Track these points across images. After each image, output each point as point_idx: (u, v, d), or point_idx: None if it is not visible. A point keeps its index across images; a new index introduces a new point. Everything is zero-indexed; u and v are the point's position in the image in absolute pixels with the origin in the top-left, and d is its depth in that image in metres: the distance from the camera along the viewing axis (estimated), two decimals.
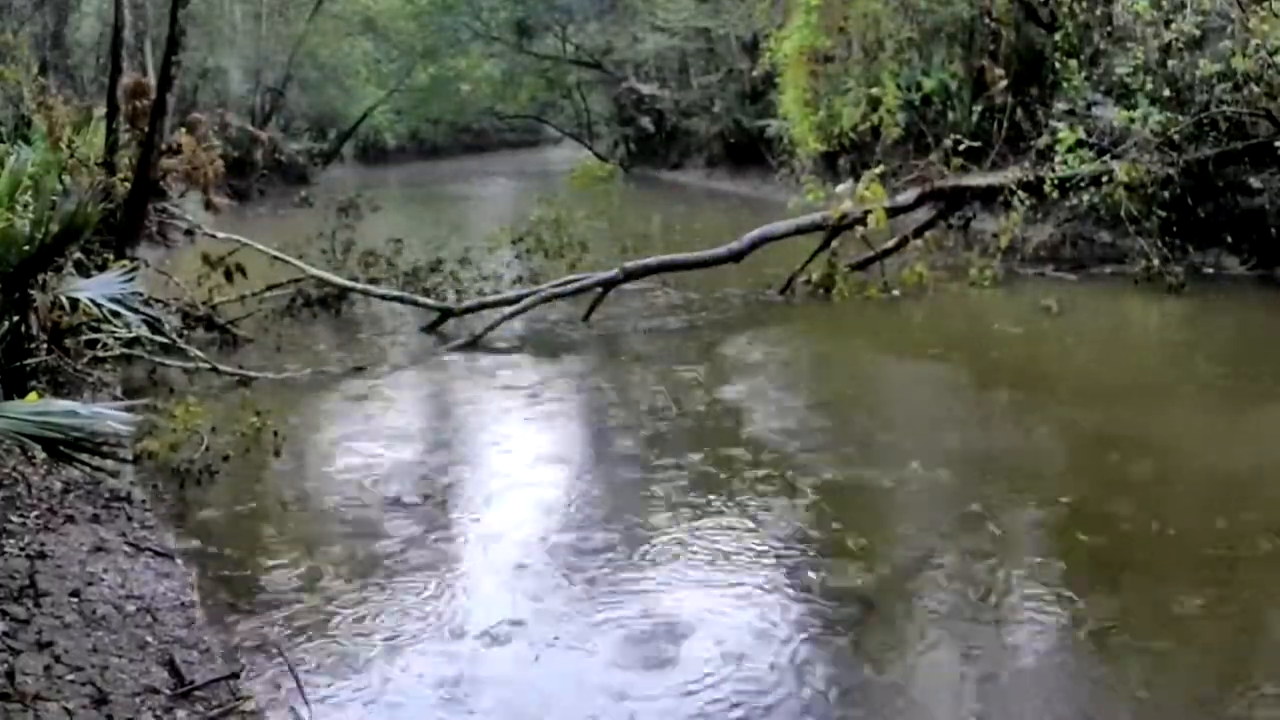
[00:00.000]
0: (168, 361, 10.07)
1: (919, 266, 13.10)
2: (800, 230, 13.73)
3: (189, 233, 13.05)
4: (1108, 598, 5.34)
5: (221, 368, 10.11)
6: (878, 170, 13.84)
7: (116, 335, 9.70)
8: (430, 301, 12.46)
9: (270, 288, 12.55)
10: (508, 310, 12.04)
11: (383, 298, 12.64)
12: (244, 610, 5.49)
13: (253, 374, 10.07)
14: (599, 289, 12.46)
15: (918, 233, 14.05)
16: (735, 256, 13.16)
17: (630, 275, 12.65)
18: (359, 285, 12.79)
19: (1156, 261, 12.57)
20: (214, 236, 12.71)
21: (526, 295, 12.29)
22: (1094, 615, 5.15)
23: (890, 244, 13.70)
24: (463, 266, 13.43)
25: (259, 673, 4.82)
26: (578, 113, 42.47)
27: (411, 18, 39.39)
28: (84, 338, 9.10)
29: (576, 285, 12.47)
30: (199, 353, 10.39)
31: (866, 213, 13.22)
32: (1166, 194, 12.88)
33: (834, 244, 13.43)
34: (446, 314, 12.24)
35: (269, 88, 33.09)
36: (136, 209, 11.70)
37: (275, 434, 7.91)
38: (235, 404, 9.01)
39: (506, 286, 13.31)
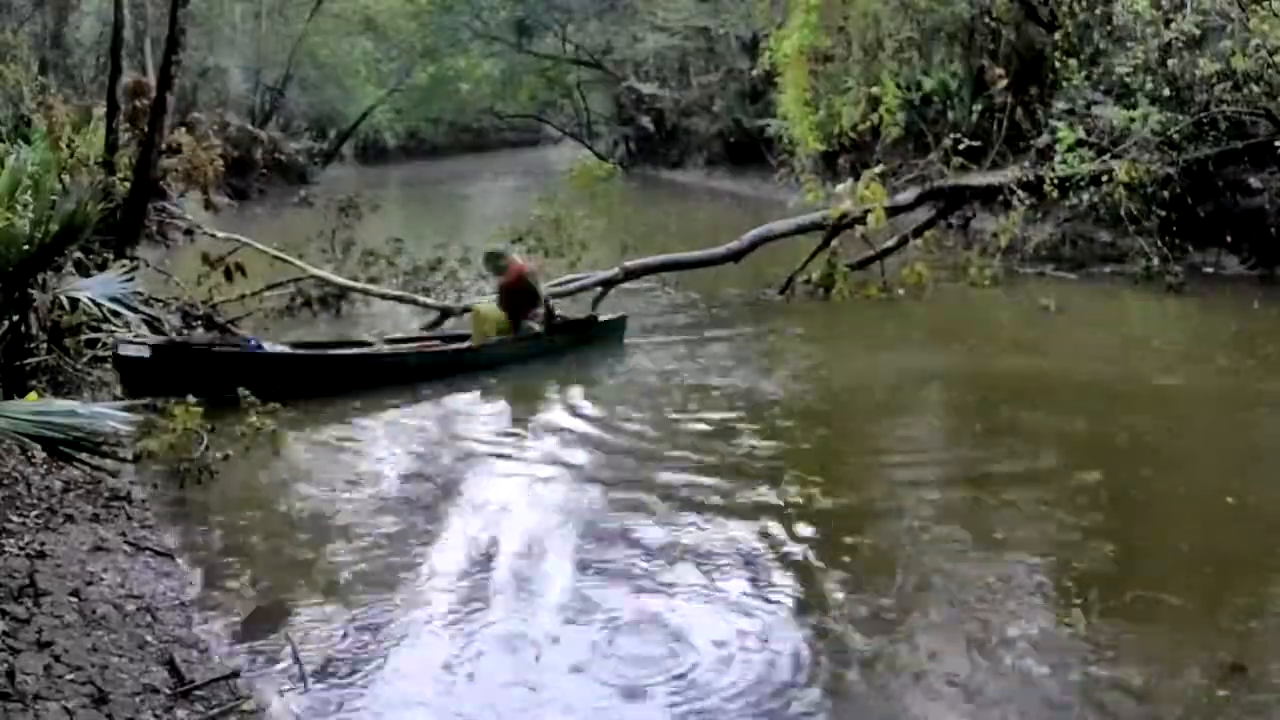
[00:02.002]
0: None
1: (919, 266, 13.09)
2: (800, 230, 13.74)
3: (189, 232, 13.03)
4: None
5: None
6: (877, 170, 13.84)
7: (116, 335, 9.69)
8: (430, 301, 12.45)
9: (270, 287, 12.49)
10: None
11: (382, 297, 12.62)
12: (244, 609, 5.49)
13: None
14: (599, 288, 12.46)
15: (917, 232, 14.05)
16: (735, 256, 13.17)
17: (630, 274, 12.65)
18: (359, 285, 12.77)
19: (1156, 261, 12.57)
20: (214, 236, 12.69)
21: None
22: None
23: (890, 243, 13.70)
24: (463, 266, 13.43)
25: (258, 672, 4.82)
26: (578, 112, 42.48)
27: (411, 17, 39.39)
28: (84, 337, 9.09)
29: (576, 285, 12.46)
30: None
31: (866, 212, 13.22)
32: (1166, 194, 12.88)
33: (834, 243, 13.43)
34: (446, 313, 12.23)
35: (269, 87, 33.11)
36: (136, 208, 11.69)
37: (274, 432, 7.90)
38: (234, 401, 9.00)
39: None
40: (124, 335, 9.21)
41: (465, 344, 10.67)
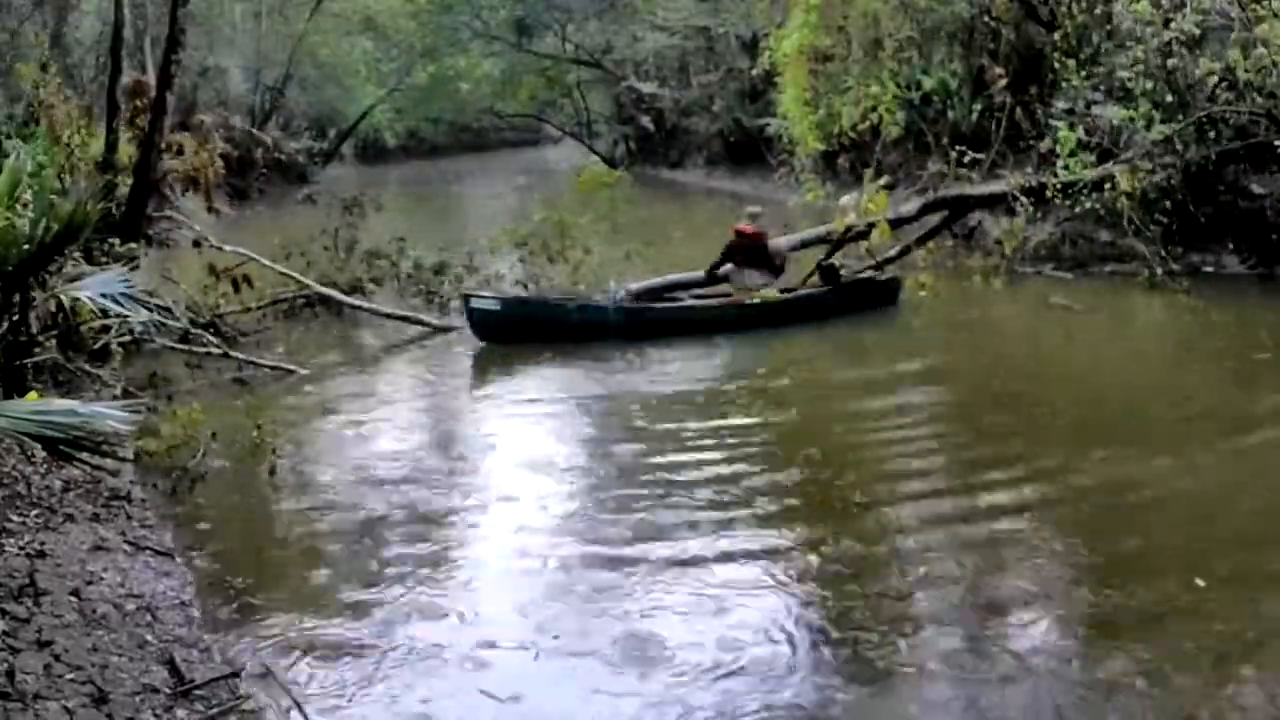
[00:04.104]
0: (177, 346, 10.15)
1: (923, 278, 13.01)
2: (805, 244, 13.66)
3: (196, 244, 12.95)
4: None
5: (233, 353, 10.26)
6: (882, 181, 13.77)
7: (118, 335, 9.71)
8: (435, 321, 12.34)
9: (275, 301, 12.40)
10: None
11: (388, 317, 12.49)
12: (243, 609, 5.49)
13: (257, 360, 10.22)
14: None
15: (920, 241, 14.05)
16: None
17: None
18: (365, 304, 12.61)
19: (1160, 272, 12.53)
20: (220, 249, 12.56)
21: None
22: None
23: (892, 252, 13.63)
24: (469, 273, 13.45)
25: (258, 672, 4.81)
26: (578, 112, 42.43)
27: (411, 16, 39.32)
28: (86, 336, 9.11)
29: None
30: (211, 338, 10.51)
31: (870, 225, 13.13)
32: (1168, 203, 12.87)
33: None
34: (444, 330, 12.17)
35: (269, 87, 33.07)
36: (137, 207, 11.71)
37: (267, 440, 7.86)
38: (236, 401, 9.01)
39: (509, 288, 13.33)
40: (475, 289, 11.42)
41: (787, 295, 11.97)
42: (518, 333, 11.01)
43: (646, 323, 11.56)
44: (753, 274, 11.98)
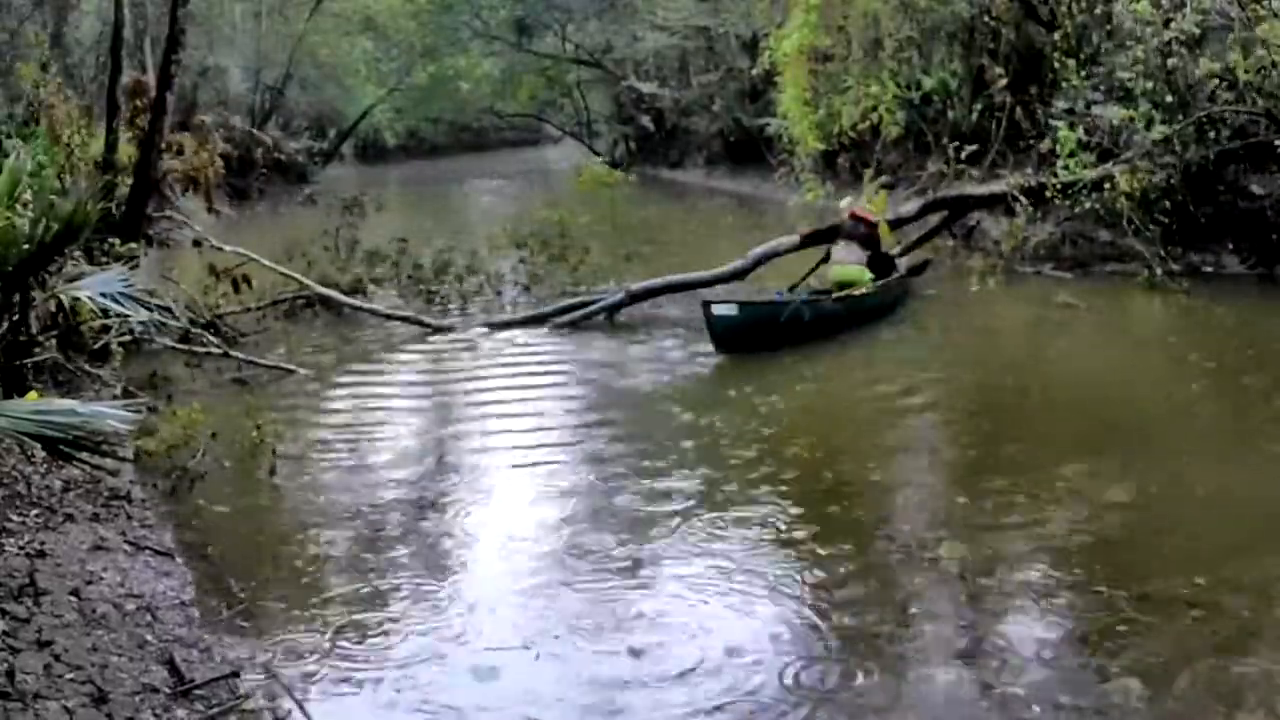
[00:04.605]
0: (178, 346, 10.17)
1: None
2: (805, 245, 13.65)
3: (196, 244, 12.96)
4: None
5: (233, 353, 10.30)
6: (881, 180, 13.78)
7: (118, 335, 9.71)
8: (433, 321, 12.37)
9: (275, 302, 12.42)
10: (505, 319, 12.36)
11: (387, 317, 12.50)
12: (243, 609, 5.49)
13: (257, 360, 10.23)
14: (603, 315, 12.32)
15: (920, 241, 14.01)
16: (740, 274, 12.94)
17: (635, 298, 12.48)
18: (365, 305, 12.68)
19: (1160, 273, 12.54)
20: (221, 249, 12.57)
21: (529, 316, 12.36)
22: None
23: (892, 252, 13.63)
24: (469, 274, 13.48)
25: (258, 672, 4.81)
26: (577, 111, 42.45)
27: (411, 16, 39.30)
28: (86, 336, 9.11)
29: (580, 312, 12.30)
30: (211, 338, 10.53)
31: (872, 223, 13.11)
32: (1168, 202, 12.87)
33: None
34: (446, 330, 12.20)
35: (269, 86, 33.06)
36: (137, 207, 11.71)
37: (267, 440, 7.87)
38: (235, 400, 9.01)
39: (509, 288, 13.34)
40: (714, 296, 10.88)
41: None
42: (758, 339, 10.31)
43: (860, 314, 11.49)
44: (855, 248, 12.23)
